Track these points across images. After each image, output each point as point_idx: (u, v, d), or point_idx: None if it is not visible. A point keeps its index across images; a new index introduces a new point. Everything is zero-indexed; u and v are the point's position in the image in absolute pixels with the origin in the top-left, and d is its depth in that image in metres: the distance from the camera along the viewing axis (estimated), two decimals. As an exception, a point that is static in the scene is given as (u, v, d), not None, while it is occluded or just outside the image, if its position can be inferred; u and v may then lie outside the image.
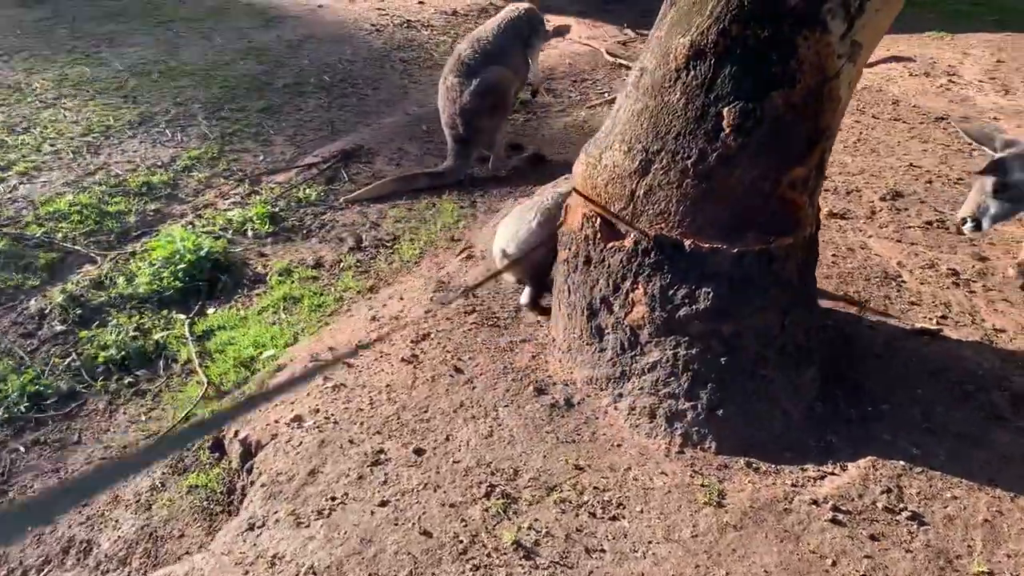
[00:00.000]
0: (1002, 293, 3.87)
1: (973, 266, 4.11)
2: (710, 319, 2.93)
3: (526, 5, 6.21)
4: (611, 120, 3.21)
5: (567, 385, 3.17)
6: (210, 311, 4.45)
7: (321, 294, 4.51)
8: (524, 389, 3.14)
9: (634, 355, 3.06)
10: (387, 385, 3.16)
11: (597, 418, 3.04)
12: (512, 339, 3.42)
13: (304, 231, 5.22)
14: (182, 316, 4.38)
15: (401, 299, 3.72)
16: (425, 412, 3.03)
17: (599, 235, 3.12)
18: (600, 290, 3.13)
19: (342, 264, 4.83)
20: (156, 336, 4.20)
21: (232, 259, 4.86)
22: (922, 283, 3.89)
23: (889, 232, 4.38)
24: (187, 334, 4.21)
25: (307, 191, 5.66)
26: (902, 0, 3.05)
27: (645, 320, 3.02)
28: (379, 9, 9.13)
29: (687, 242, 2.94)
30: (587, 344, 3.19)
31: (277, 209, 5.40)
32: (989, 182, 3.55)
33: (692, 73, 2.92)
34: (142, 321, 4.32)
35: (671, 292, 2.97)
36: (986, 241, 4.26)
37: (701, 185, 2.93)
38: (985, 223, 3.59)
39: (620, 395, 3.08)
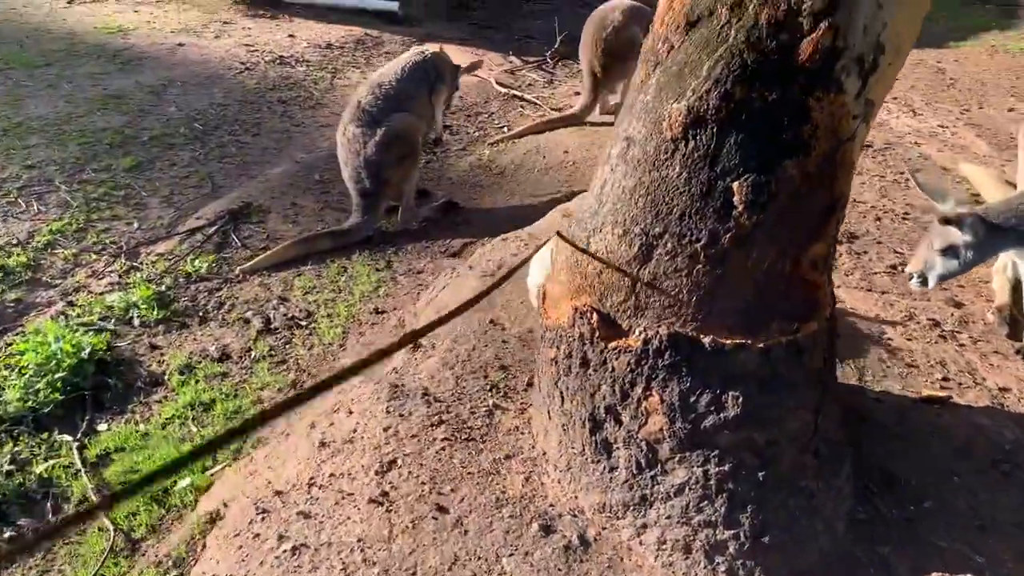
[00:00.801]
0: (991, 344, 3.67)
1: (952, 314, 3.90)
2: (741, 427, 2.51)
3: (432, 48, 5.70)
4: (595, 198, 2.76)
5: (575, 516, 2.68)
6: (101, 428, 3.72)
7: (235, 395, 3.85)
8: (527, 527, 2.63)
9: (654, 475, 2.60)
10: (359, 540, 2.56)
11: (621, 558, 2.56)
12: (495, 456, 2.91)
13: (200, 314, 4.52)
14: (68, 438, 3.63)
15: (350, 412, 3.14)
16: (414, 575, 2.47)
17: (597, 333, 2.66)
18: (604, 398, 2.66)
19: (253, 353, 4.17)
20: (38, 468, 3.45)
21: (120, 356, 4.13)
22: (908, 339, 3.63)
23: (856, 280, 4.13)
24: (77, 462, 3.48)
25: (195, 263, 4.95)
26: (909, 50, 2.74)
27: (664, 433, 2.57)
28: (247, 45, 8.39)
29: (707, 339, 2.52)
30: (592, 462, 2.71)
31: (164, 288, 4.68)
32: (937, 240, 3.38)
33: (692, 144, 2.51)
34: (17, 450, 3.55)
35: (693, 399, 2.53)
36: (955, 283, 4.06)
37: (715, 271, 2.52)
38: (931, 281, 3.45)
39: (644, 526, 2.62)
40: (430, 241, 5.34)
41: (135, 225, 5.35)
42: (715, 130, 2.50)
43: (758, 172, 2.49)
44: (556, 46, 9.04)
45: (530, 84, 8.37)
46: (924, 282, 3.48)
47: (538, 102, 7.77)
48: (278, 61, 8.13)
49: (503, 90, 8.00)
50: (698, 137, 2.51)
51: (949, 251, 3.36)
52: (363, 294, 4.69)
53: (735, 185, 2.49)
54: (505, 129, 7.26)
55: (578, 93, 8.06)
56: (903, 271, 4.01)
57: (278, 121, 7.06)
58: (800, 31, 2.45)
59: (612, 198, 2.67)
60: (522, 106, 7.76)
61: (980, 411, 3.16)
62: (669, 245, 2.55)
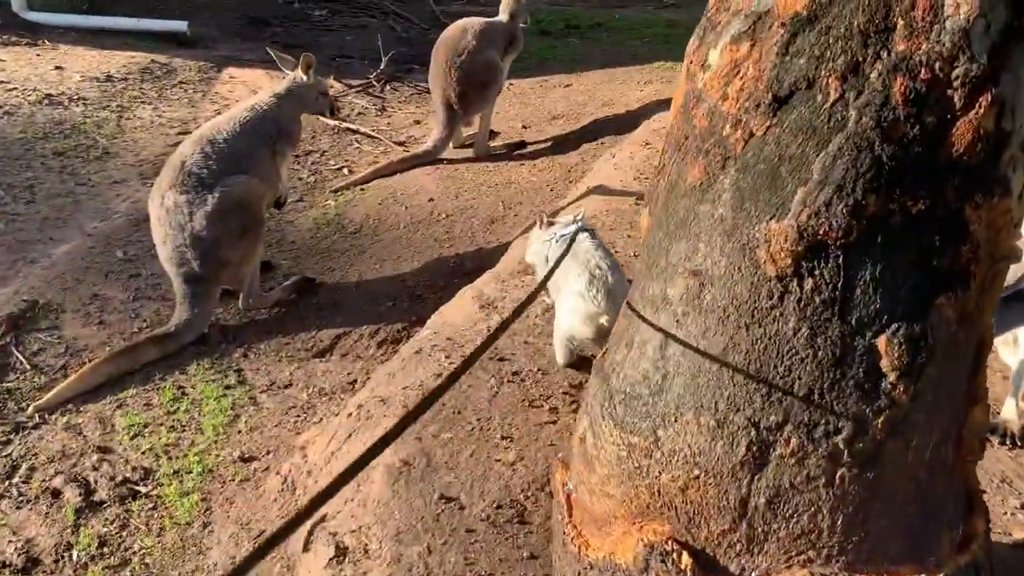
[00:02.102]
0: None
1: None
2: None
3: (269, 98, 4.48)
4: (651, 364, 1.83)
5: None
6: None
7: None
8: None
9: None
10: None
11: None
12: None
13: (-17, 486, 3.18)
14: None
15: None
16: None
17: None
18: None
19: (74, 553, 2.91)
20: None
21: None
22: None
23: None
24: None
25: (-36, 402, 3.56)
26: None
27: None
28: (2, 83, 6.71)
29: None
30: None
31: (-81, 452, 3.28)
32: None
33: (810, 282, 1.66)
34: None
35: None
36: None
37: (865, 474, 1.68)
38: None
39: None
40: (287, 336, 4.19)
41: None
42: (841, 261, 1.65)
43: (909, 319, 1.66)
44: (382, 67, 7.97)
45: (360, 113, 7.27)
46: None
47: (377, 135, 6.70)
48: (46, 101, 6.53)
49: (333, 122, 6.84)
50: (818, 272, 1.65)
51: None
52: (217, 431, 3.49)
53: (880, 342, 1.65)
54: (345, 171, 6.15)
55: (418, 122, 7.08)
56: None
57: (57, 180, 5.56)
58: (951, 109, 1.64)
59: (687, 368, 1.75)
60: (358, 140, 6.66)
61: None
62: (794, 442, 1.67)
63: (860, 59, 1.65)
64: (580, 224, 3.35)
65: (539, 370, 3.05)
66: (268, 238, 5.11)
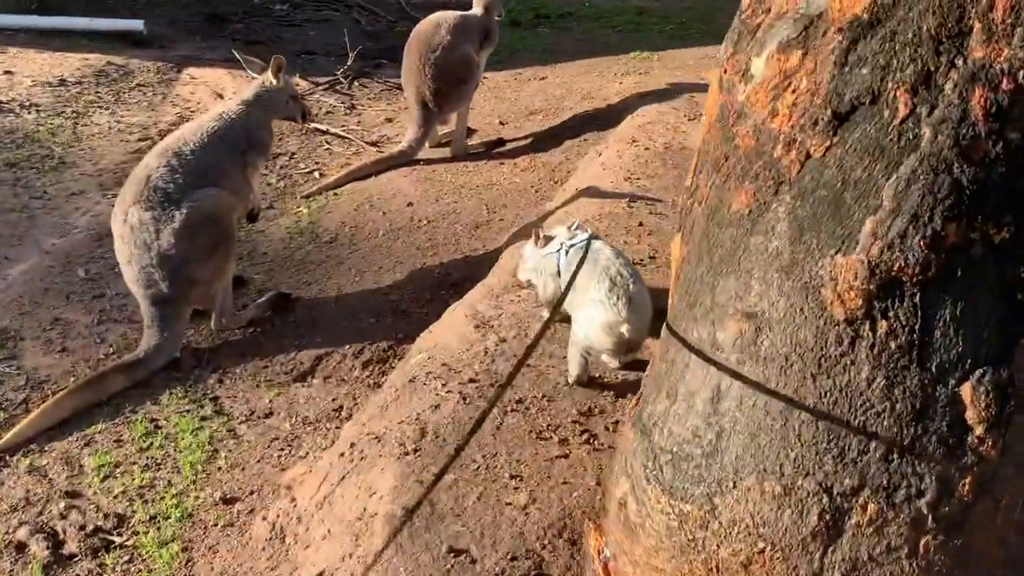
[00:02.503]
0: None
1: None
2: None
3: (237, 105, 4.19)
4: (701, 420, 1.62)
5: None
6: None
7: None
8: None
9: None
10: None
11: None
12: None
13: (-62, 543, 2.91)
14: None
15: None
16: None
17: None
18: None
19: (43, 615, 2.66)
20: None
21: None
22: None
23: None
24: None
25: (-84, 446, 3.28)
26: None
27: None
28: (-54, 89, 6.33)
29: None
30: None
31: None
32: None
33: (883, 324, 1.47)
34: None
35: None
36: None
37: (951, 541, 1.49)
38: None
39: None
40: (265, 358, 3.94)
41: None
42: (918, 299, 1.45)
43: (994, 363, 1.47)
44: (349, 63, 7.67)
45: (329, 112, 6.97)
46: None
47: (348, 135, 6.42)
48: (-6, 108, 6.18)
49: (300, 123, 6.54)
50: (892, 313, 1.45)
51: None
52: (195, 468, 3.24)
53: (965, 391, 1.46)
54: (317, 175, 5.87)
55: (389, 120, 6.81)
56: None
57: (10, 194, 5.23)
58: (1036, 122, 1.45)
59: (745, 425, 1.54)
60: (328, 141, 6.38)
61: None
62: (872, 508, 1.48)
63: (932, 68, 1.45)
64: (591, 232, 3.20)
65: (544, 396, 2.84)
66: (239, 250, 4.83)
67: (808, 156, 1.51)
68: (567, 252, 3.13)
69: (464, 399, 2.83)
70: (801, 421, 1.47)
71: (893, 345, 1.44)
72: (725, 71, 1.73)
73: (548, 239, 3.28)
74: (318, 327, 4.13)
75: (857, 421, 1.45)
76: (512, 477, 2.51)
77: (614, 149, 4.87)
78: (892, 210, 1.43)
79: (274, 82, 4.21)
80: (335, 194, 5.51)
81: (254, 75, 4.34)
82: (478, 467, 2.55)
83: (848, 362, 1.46)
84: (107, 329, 4.11)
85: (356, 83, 7.63)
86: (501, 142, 6.06)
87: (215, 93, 7.01)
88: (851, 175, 1.47)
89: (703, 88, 6.21)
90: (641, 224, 3.95)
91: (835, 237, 1.47)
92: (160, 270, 3.81)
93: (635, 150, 4.79)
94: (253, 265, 4.77)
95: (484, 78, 6.81)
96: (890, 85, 1.46)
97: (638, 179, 4.42)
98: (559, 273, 3.13)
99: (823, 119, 1.50)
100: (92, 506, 3.08)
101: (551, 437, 2.66)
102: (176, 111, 6.63)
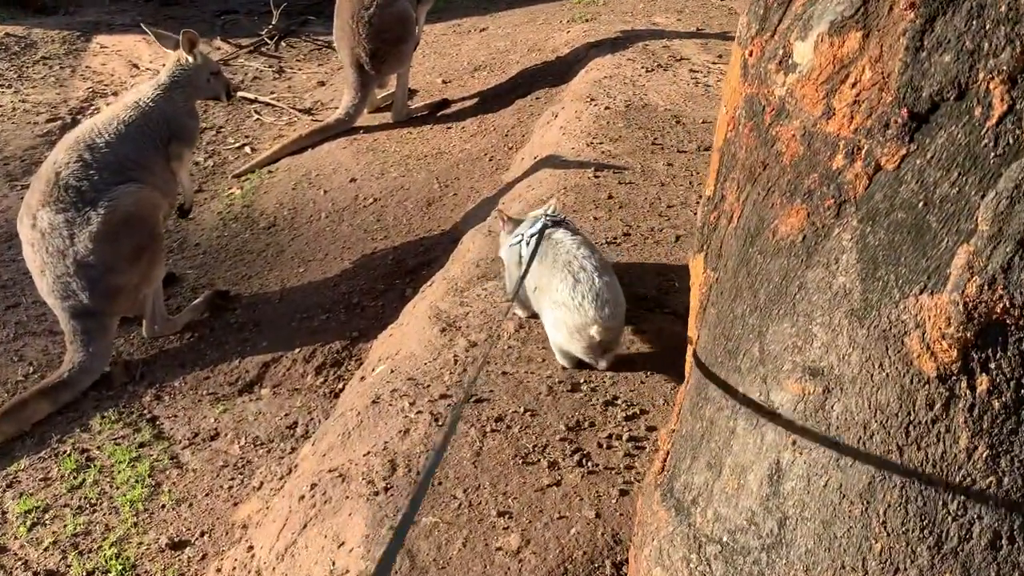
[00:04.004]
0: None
1: None
2: None
3: (151, 90, 3.69)
4: (758, 502, 1.32)
5: None
6: None
7: None
8: None
9: None
10: None
11: None
12: None
13: None
14: None
15: None
16: None
17: None
18: None
19: None
20: None
21: None
22: None
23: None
24: None
25: None
26: None
27: None
28: None
29: None
30: None
31: None
32: None
33: (984, 380, 1.21)
34: None
35: None
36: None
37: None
38: None
39: None
40: (206, 367, 3.57)
41: None
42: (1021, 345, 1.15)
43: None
44: (274, 21, 7.13)
45: (256, 78, 6.47)
46: None
47: (278, 103, 5.95)
48: None
49: (226, 92, 6.03)
50: (995, 365, 1.17)
51: None
52: (136, 508, 2.88)
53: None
54: (248, 150, 5.42)
55: (322, 83, 6.35)
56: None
57: (-97, 191, 4.71)
58: None
59: (816, 511, 1.25)
60: (257, 111, 5.90)
61: None
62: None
63: (1033, 51, 1.13)
64: (548, 218, 2.84)
65: (526, 411, 2.52)
66: (168, 242, 4.41)
67: (878, 168, 1.19)
68: (526, 243, 2.78)
69: (436, 420, 2.50)
70: (887, 504, 1.18)
71: (997, 405, 1.16)
72: (751, 54, 1.39)
73: (515, 223, 2.95)
74: (262, 328, 3.75)
75: (956, 503, 1.17)
76: (500, 515, 2.21)
77: (572, 110, 4.50)
78: (991, 236, 1.13)
79: (190, 59, 3.75)
80: (269, 171, 5.08)
81: (168, 51, 3.86)
82: (460, 505, 2.24)
83: (942, 428, 1.17)
84: (24, 344, 3.69)
85: (283, 43, 7.11)
86: (446, 103, 5.65)
87: (130, 63, 6.46)
88: (935, 192, 1.16)
89: (657, 35, 5.85)
90: (611, 197, 3.62)
91: (919, 271, 1.17)
92: (78, 279, 3.40)
93: (595, 110, 4.43)
94: (185, 259, 4.35)
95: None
96: (981, 75, 1.14)
97: (601, 143, 4.07)
98: (520, 264, 2.81)
99: (896, 121, 1.18)
100: (19, 563, 2.71)
101: (539, 460, 2.36)
102: (87, 86, 6.07)
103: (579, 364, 2.70)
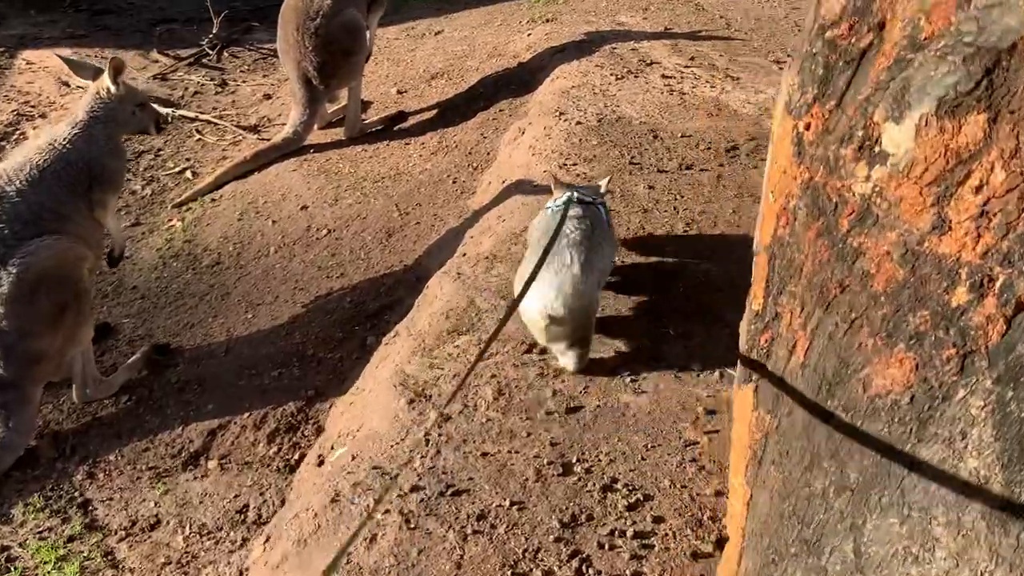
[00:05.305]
0: None
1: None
2: None
3: (68, 128, 3.26)
4: None
5: None
6: None
7: None
8: None
9: None
10: None
11: None
12: None
13: None
14: None
15: None
16: None
17: None
18: None
19: None
20: None
21: None
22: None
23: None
24: None
25: None
26: None
27: None
28: None
29: None
30: None
31: None
32: None
33: None
34: None
35: None
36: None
37: None
38: None
39: None
40: (144, 436, 3.18)
41: None
42: None
43: None
44: (215, 30, 6.66)
45: (197, 92, 6.02)
46: None
47: (221, 121, 5.51)
48: None
49: (164, 111, 5.58)
50: None
51: None
52: (64, 624, 2.49)
53: None
54: (189, 175, 4.99)
55: (268, 96, 5.93)
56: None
57: None
58: None
59: None
60: (199, 130, 5.46)
61: None
62: None
63: None
64: (573, 194, 2.78)
65: (512, 503, 2.18)
66: (101, 285, 3.99)
67: (1020, 308, 0.86)
68: (551, 213, 2.77)
69: (408, 522, 2.14)
70: None
71: None
72: (808, 127, 1.05)
73: (565, 188, 2.87)
74: (207, 388, 3.36)
75: None
76: (490, 648, 1.86)
77: (540, 125, 4.14)
78: None
79: (113, 90, 3.32)
80: (213, 199, 4.66)
81: (87, 82, 3.43)
82: (442, 637, 1.89)
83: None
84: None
85: (225, 53, 6.65)
86: (402, 116, 5.26)
87: (60, 81, 5.96)
88: None
89: (623, 36, 5.51)
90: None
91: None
92: (-8, 348, 2.98)
93: (565, 126, 4.08)
94: (121, 305, 3.93)
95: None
96: None
97: (575, 165, 3.72)
98: (537, 237, 2.78)
99: (1043, 244, 0.85)
100: None
101: (530, 571, 2.01)
102: (12, 108, 5.58)
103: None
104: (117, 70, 3.29)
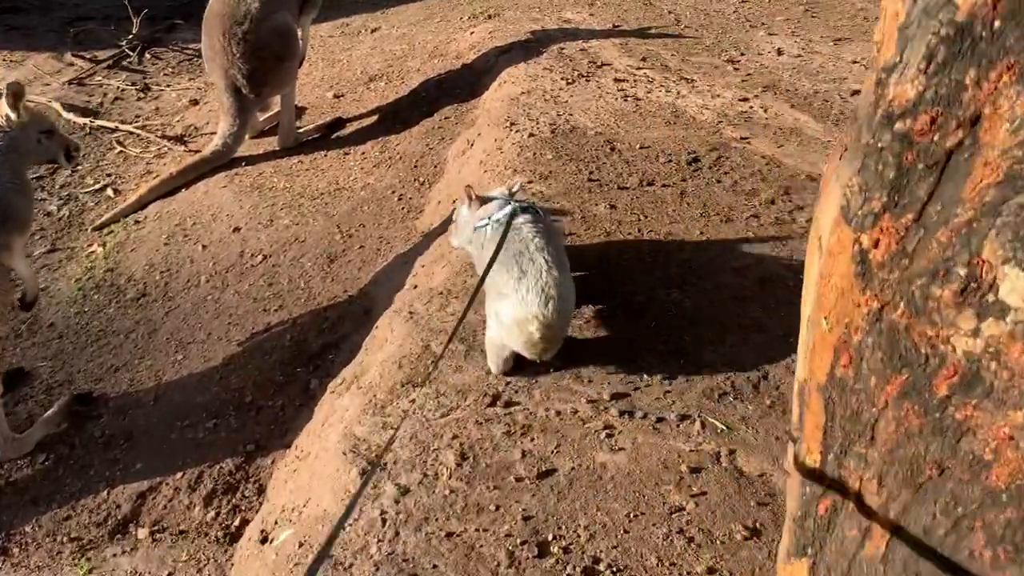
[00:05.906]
0: None
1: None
2: None
3: None
4: None
5: None
6: None
7: None
8: None
9: None
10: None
11: None
12: None
13: None
14: None
15: None
16: None
17: None
18: None
19: None
20: None
21: None
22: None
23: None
24: None
25: None
26: None
27: None
28: None
29: None
30: None
31: None
32: None
33: None
34: None
35: None
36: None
37: None
38: None
39: None
40: (65, 501, 2.88)
41: None
42: None
43: None
44: (136, 29, 6.24)
45: (117, 99, 5.62)
46: None
47: (144, 131, 5.13)
48: None
49: (81, 120, 5.19)
50: None
51: None
52: None
53: None
54: (110, 193, 4.63)
55: (195, 102, 5.58)
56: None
57: None
58: None
59: None
60: (120, 141, 5.08)
61: None
62: None
63: None
64: (516, 204, 2.72)
65: (483, 595, 1.94)
66: (14, 323, 3.63)
67: None
68: (492, 228, 2.70)
69: (367, 624, 1.89)
70: None
71: None
72: (876, 244, 0.82)
73: (483, 201, 2.82)
74: (136, 443, 3.06)
75: None
76: None
77: (490, 137, 3.88)
78: None
79: (14, 117, 2.97)
80: (137, 220, 4.32)
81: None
82: None
83: None
84: None
85: (147, 54, 6.25)
86: (340, 123, 4.95)
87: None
88: None
89: (571, 35, 5.26)
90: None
91: None
92: None
93: (517, 137, 3.82)
94: (36, 346, 3.58)
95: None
96: None
97: (531, 183, 3.47)
98: (483, 249, 2.70)
99: None
100: None
101: None
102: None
103: (513, 371, 2.55)
104: (16, 96, 2.94)
